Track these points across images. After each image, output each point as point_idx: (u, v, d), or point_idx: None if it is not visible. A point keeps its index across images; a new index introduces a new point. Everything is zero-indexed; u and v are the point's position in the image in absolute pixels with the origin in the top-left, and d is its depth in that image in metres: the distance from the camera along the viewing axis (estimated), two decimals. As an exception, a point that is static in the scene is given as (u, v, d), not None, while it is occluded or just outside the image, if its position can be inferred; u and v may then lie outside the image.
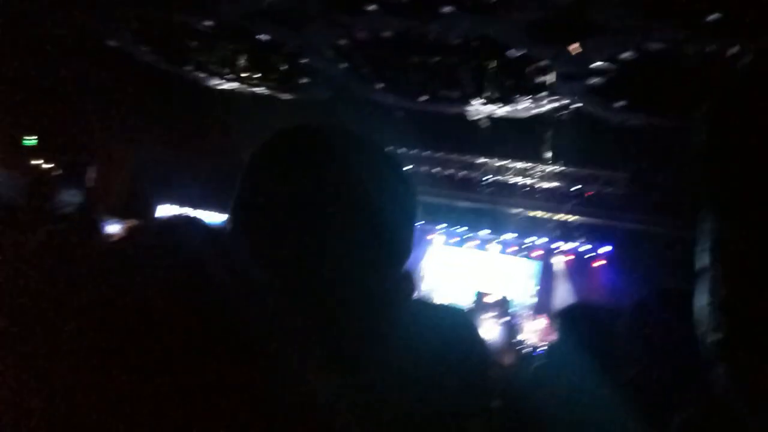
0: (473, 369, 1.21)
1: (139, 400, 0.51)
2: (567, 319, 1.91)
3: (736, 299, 0.43)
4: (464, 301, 7.82)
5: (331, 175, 0.71)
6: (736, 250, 0.43)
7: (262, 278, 0.59)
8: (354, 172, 0.72)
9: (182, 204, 8.37)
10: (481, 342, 1.31)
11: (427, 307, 1.47)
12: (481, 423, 1.26)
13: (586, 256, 9.79)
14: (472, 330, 1.31)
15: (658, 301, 1.45)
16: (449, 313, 1.36)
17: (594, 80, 6.82)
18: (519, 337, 6.55)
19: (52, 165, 8.09)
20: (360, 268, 0.69)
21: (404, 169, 0.76)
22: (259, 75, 7.80)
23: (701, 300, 0.45)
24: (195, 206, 7.55)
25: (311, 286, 0.66)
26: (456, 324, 1.29)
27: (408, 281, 0.78)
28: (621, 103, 7.09)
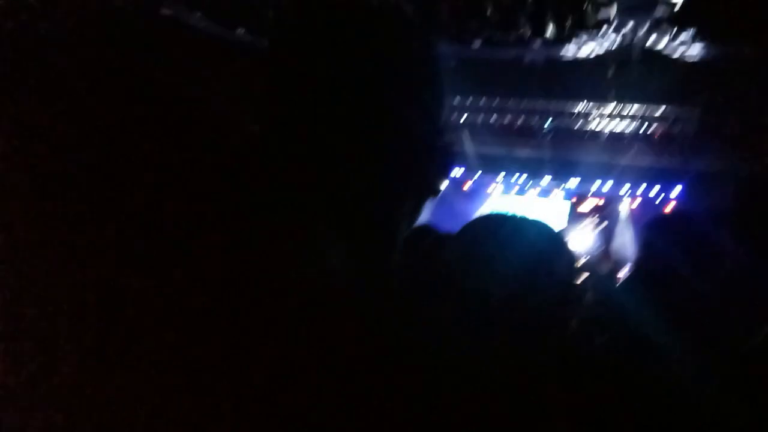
0: (557, 271, 1.16)
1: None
2: (653, 231, 1.82)
3: None
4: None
5: (344, 51, 0.65)
6: None
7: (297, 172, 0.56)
8: (371, 45, 0.65)
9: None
10: (564, 248, 1.26)
11: (505, 217, 1.37)
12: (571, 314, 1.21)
13: (655, 201, 9.44)
14: (555, 237, 1.26)
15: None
16: (530, 223, 1.28)
17: (659, 12, 6.44)
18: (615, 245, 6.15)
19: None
20: (386, 143, 0.64)
21: (427, 35, 0.69)
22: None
23: None
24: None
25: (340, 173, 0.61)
26: (538, 232, 1.24)
27: (445, 158, 0.72)
28: (688, 35, 6.68)
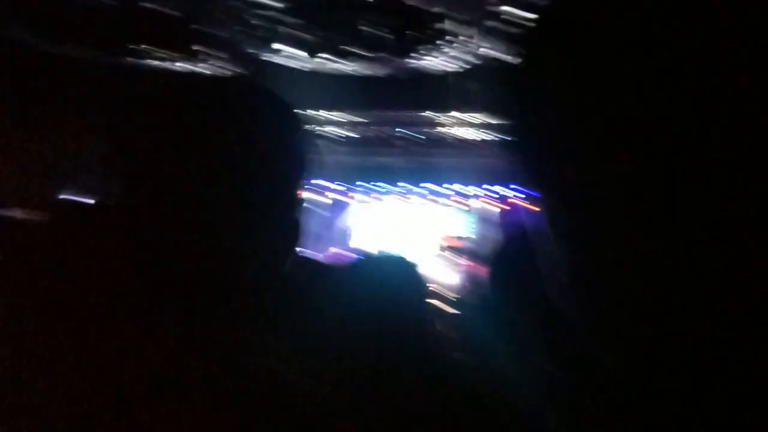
0: (416, 316, 1.17)
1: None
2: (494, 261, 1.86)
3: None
4: (416, 250, 7.86)
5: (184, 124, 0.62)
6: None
7: (137, 250, 0.54)
8: (207, 118, 0.66)
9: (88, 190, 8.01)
10: (420, 285, 1.30)
11: (362, 258, 1.43)
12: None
13: (510, 199, 10.02)
14: (410, 273, 1.30)
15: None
16: (386, 261, 1.35)
17: (499, 24, 6.85)
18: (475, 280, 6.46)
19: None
20: (232, 220, 0.64)
21: (282, 110, 0.66)
22: (152, 46, 7.51)
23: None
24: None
25: (188, 248, 0.59)
26: (394, 271, 1.27)
27: (293, 230, 0.73)
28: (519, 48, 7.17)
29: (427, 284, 1.42)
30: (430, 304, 1.36)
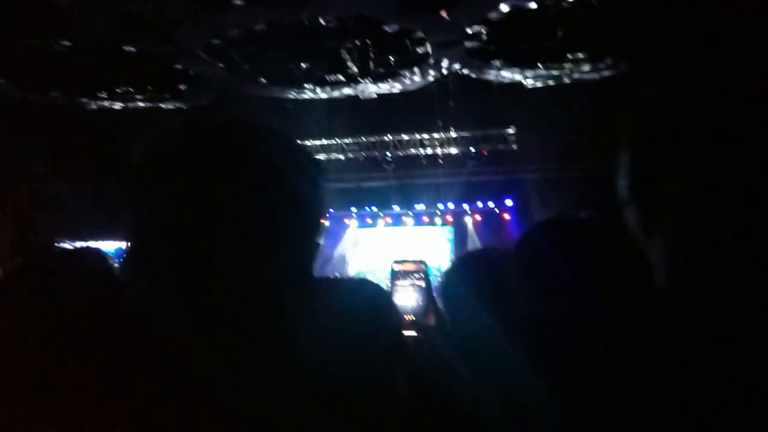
0: (384, 336, 1.18)
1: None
2: (457, 270, 1.88)
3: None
4: (382, 273, 7.89)
5: (215, 173, 0.67)
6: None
7: (164, 298, 0.56)
8: (242, 164, 0.68)
9: (84, 238, 7.80)
10: (388, 307, 1.30)
11: (330, 282, 1.43)
12: (403, 388, 1.19)
13: (494, 212, 10.14)
14: (377, 296, 1.29)
15: (542, 233, 1.30)
16: (352, 285, 1.35)
17: (469, 44, 7.02)
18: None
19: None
20: (261, 263, 0.67)
21: (295, 149, 0.72)
22: (135, 89, 7.47)
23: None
24: (97, 238, 6.98)
25: (216, 293, 0.63)
26: (359, 295, 1.26)
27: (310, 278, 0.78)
28: (498, 62, 7.36)
29: (392, 305, 1.39)
30: (395, 323, 1.37)
